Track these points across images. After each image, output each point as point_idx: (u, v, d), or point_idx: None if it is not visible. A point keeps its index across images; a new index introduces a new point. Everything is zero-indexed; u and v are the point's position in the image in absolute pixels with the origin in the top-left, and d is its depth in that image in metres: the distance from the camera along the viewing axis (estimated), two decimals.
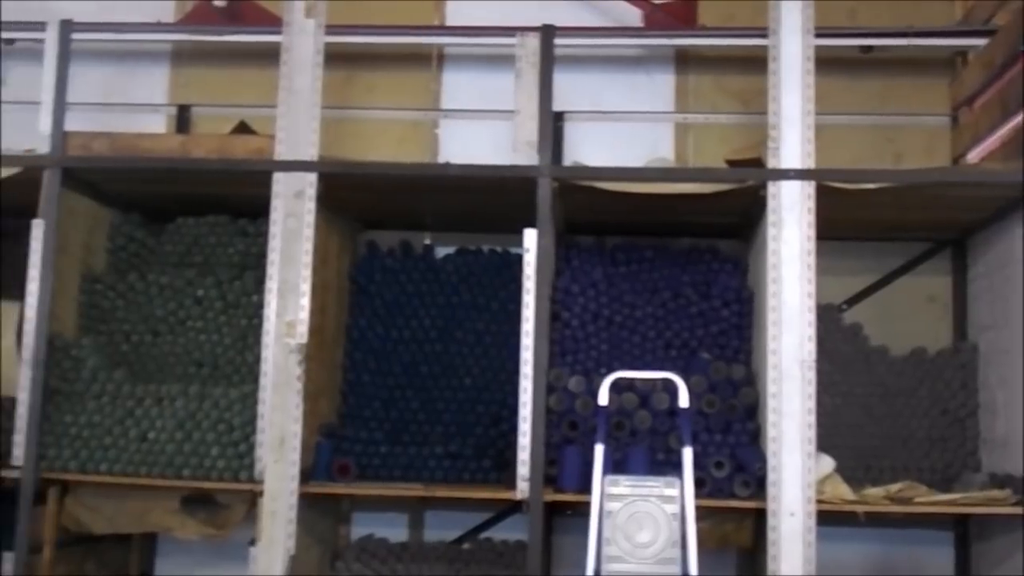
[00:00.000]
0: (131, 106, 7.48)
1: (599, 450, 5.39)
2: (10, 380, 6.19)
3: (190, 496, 6.10)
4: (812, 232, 5.54)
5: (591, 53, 7.28)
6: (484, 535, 6.96)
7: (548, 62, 5.92)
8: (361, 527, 7.06)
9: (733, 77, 7.23)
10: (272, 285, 5.80)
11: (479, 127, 7.30)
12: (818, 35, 5.69)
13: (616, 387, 5.65)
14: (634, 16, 7.27)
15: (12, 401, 6.00)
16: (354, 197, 6.41)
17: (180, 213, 6.77)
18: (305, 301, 5.78)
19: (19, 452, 5.83)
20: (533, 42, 5.97)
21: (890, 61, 7.06)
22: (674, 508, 5.25)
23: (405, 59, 7.43)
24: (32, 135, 6.26)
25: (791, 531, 5.34)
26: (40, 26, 6.32)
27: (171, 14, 7.66)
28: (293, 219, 5.85)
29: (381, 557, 6.47)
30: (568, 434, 5.97)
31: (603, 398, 5.52)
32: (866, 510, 5.61)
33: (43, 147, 6.08)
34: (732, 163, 6.21)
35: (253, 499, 5.78)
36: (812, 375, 5.45)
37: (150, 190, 6.61)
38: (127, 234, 6.74)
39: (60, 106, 6.09)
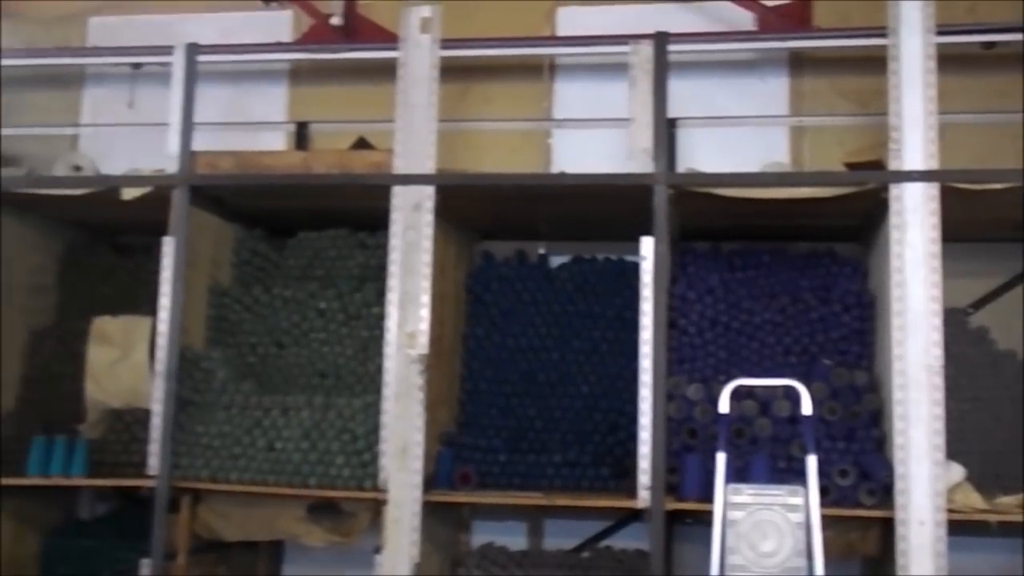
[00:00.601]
0: (251, 124, 7.68)
1: (721, 458, 5.36)
2: (142, 393, 6.41)
3: (316, 504, 6.23)
4: (937, 234, 5.43)
5: (702, 58, 7.24)
6: (603, 543, 6.95)
7: (662, 69, 5.92)
8: (480, 535, 7.11)
9: (849, 78, 7.11)
10: (393, 297, 5.91)
11: (591, 136, 7.31)
12: (938, 32, 5.58)
13: (735, 394, 5.60)
14: (746, 19, 7.20)
15: (146, 413, 6.22)
16: (470, 208, 6.49)
17: (301, 227, 6.93)
18: (425, 312, 5.87)
19: (154, 462, 6.03)
20: (647, 50, 5.97)
21: (1012, 57, 6.86)
22: (799, 517, 5.20)
23: (517, 70, 7.49)
24: (158, 155, 6.51)
25: (921, 540, 5.23)
26: (166, 50, 6.56)
27: (288, 33, 7.85)
28: (412, 231, 5.95)
29: (501, 564, 6.52)
30: (687, 442, 5.94)
31: (724, 405, 5.49)
32: (999, 519, 5.46)
33: (172, 167, 6.28)
34: (851, 166, 6.12)
35: (377, 507, 5.88)
36: (939, 380, 5.34)
37: (272, 205, 6.79)
38: (251, 249, 6.93)
39: (187, 127, 6.30)
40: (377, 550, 5.80)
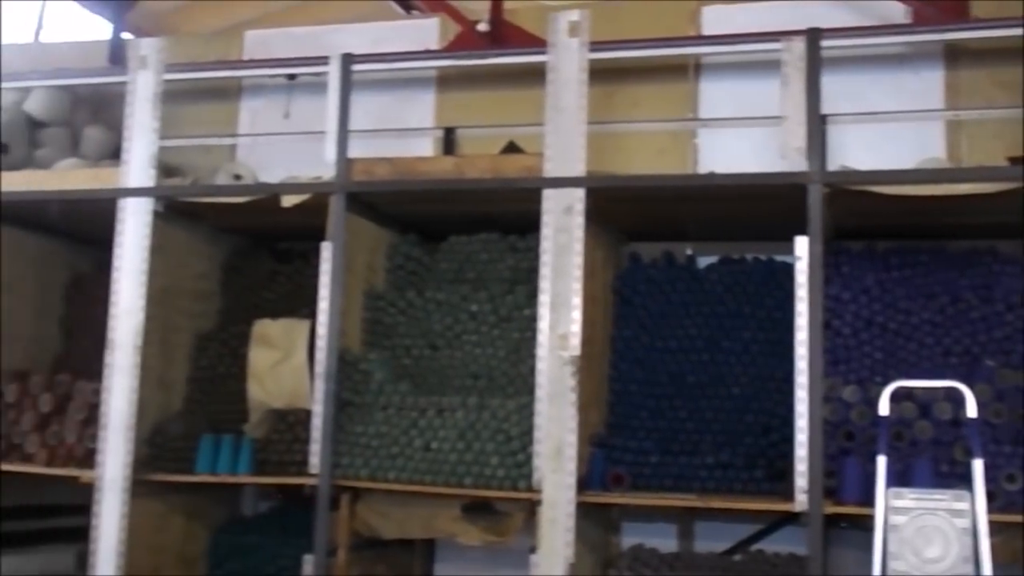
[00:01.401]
0: (400, 131, 7.84)
1: (881, 461, 5.26)
2: (303, 393, 6.62)
3: (471, 503, 6.33)
4: None
5: (853, 53, 7.09)
6: (756, 547, 6.88)
7: (815, 66, 5.83)
8: (630, 536, 7.11)
9: (1010, 69, 6.87)
10: (545, 299, 5.97)
11: (738, 135, 7.24)
12: None
13: (893, 396, 5.48)
14: (898, 12, 7.04)
15: (307, 413, 6.42)
16: (617, 210, 6.50)
17: (452, 231, 7.05)
18: (577, 314, 5.91)
19: (315, 461, 6.22)
20: (799, 46, 5.89)
21: None
22: (964, 522, 5.05)
23: (662, 71, 7.47)
24: (313, 163, 6.71)
25: None
26: (321, 61, 6.76)
27: (434, 41, 8.00)
28: (563, 234, 6.00)
29: (653, 566, 6.51)
30: (844, 444, 5.84)
31: (883, 408, 5.38)
32: None
33: (329, 174, 6.46)
34: (1016, 160, 5.91)
35: (532, 507, 5.94)
36: None
37: (425, 210, 6.93)
38: (404, 253, 7.08)
39: (343, 135, 6.48)
40: (532, 550, 5.85)
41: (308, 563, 6.15)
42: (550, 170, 6.07)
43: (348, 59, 6.56)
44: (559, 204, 6.02)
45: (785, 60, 5.93)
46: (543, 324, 5.96)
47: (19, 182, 7.08)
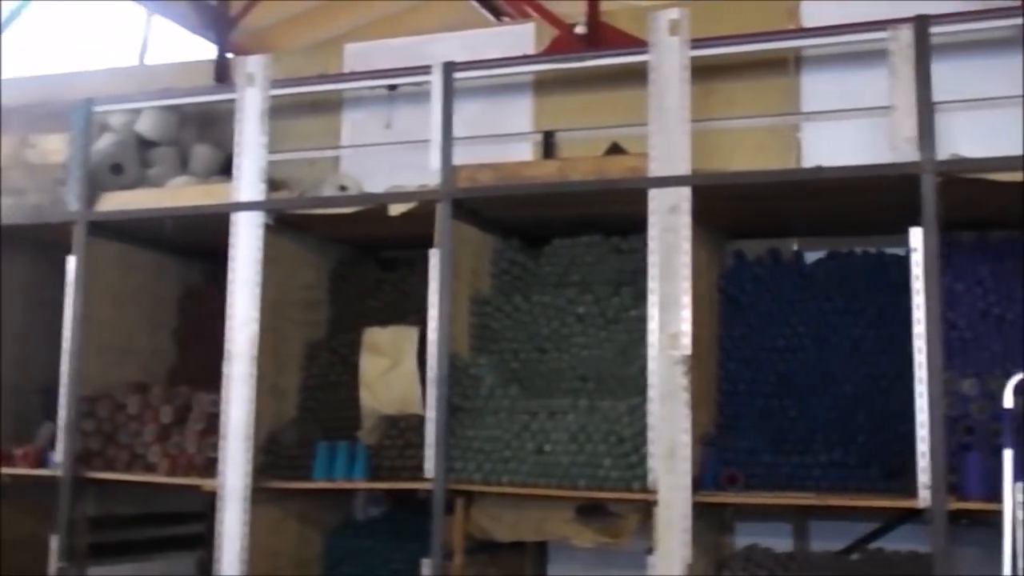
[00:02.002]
0: (499, 137, 7.88)
1: (1008, 455, 5.14)
2: (413, 399, 6.71)
3: (584, 505, 6.34)
4: None
5: (959, 39, 6.93)
6: (874, 545, 6.76)
7: (924, 54, 5.74)
8: (742, 537, 7.05)
9: None
10: (654, 299, 5.96)
11: (842, 128, 7.13)
12: None
13: (1017, 389, 5.35)
14: None
15: (418, 419, 6.50)
16: (721, 208, 6.45)
17: (555, 235, 7.07)
18: (686, 313, 5.90)
19: (430, 465, 6.28)
20: (906, 34, 5.80)
21: None
22: None
23: (761, 67, 7.38)
24: (414, 172, 6.80)
25: None
26: (421, 70, 6.85)
27: (529, 46, 8.03)
28: (670, 234, 5.98)
29: (767, 567, 6.44)
30: (964, 439, 5.71)
31: (1008, 400, 5.25)
32: None
33: (434, 182, 6.54)
34: None
35: (646, 508, 5.92)
36: None
37: (528, 214, 6.96)
38: (509, 258, 7.12)
39: (448, 142, 6.55)
40: (648, 551, 5.84)
41: (425, 566, 6.22)
42: (655, 170, 6.06)
43: (450, 67, 6.63)
44: (664, 204, 6.01)
45: (892, 49, 5.84)
46: (653, 324, 5.95)
47: (133, 200, 7.30)
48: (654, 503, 5.81)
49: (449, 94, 6.61)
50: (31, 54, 12.72)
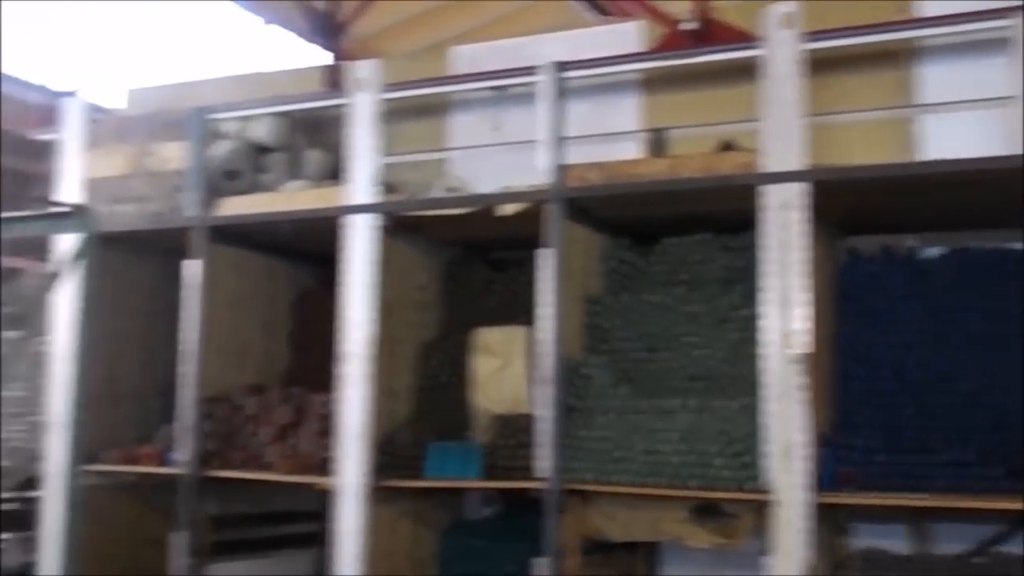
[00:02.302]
0: (610, 136, 7.86)
1: None
2: (524, 399, 6.74)
3: (698, 505, 6.29)
4: None
5: None
6: (997, 548, 6.57)
7: None
8: (858, 538, 6.91)
9: None
10: (768, 297, 5.89)
11: (959, 120, 6.95)
12: None
13: None
14: None
15: (529, 418, 6.53)
16: (834, 204, 6.34)
17: (663, 234, 7.03)
18: (802, 312, 5.81)
19: (543, 465, 6.30)
20: None
21: None
22: None
23: (873, 60, 7.23)
24: (521, 173, 6.82)
25: None
26: (529, 71, 6.88)
27: (635, 45, 7.99)
28: (783, 230, 5.90)
29: (885, 568, 6.32)
30: None
31: None
32: None
33: (544, 182, 6.56)
34: None
35: (760, 509, 5.86)
36: None
37: (637, 213, 6.94)
38: (618, 257, 7.10)
39: (557, 142, 6.57)
40: (763, 552, 5.77)
41: (538, 566, 6.24)
42: (768, 165, 5.98)
43: (559, 67, 6.65)
44: (778, 200, 5.94)
45: (1011, 37, 5.68)
46: (768, 323, 5.88)
47: (249, 205, 7.48)
48: (769, 503, 5.73)
49: (559, 93, 6.63)
50: (152, 66, 13.17)
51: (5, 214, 5.60)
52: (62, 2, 13.87)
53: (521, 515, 7.16)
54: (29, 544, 6.89)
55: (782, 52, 6.04)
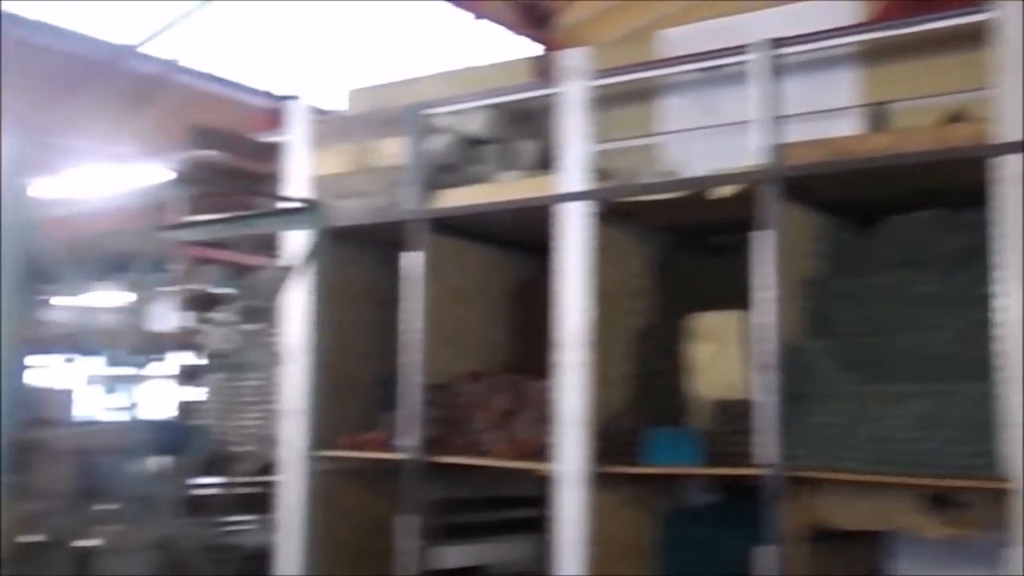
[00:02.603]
0: (825, 113, 7.59)
1: None
2: (742, 385, 6.61)
3: (933, 494, 6.03)
4: None
5: None
6: None
7: None
8: None
9: None
10: (1004, 276, 5.57)
11: None
12: None
13: None
14: None
15: (748, 405, 6.40)
16: None
17: (885, 212, 6.76)
18: None
19: (765, 452, 6.18)
20: None
21: None
22: None
23: None
24: (733, 155, 6.69)
25: None
26: (740, 50, 6.74)
27: (850, 16, 7.68)
28: (1019, 204, 5.57)
29: None
30: None
31: None
32: None
33: (760, 162, 6.42)
34: None
35: (998, 498, 5.55)
36: None
37: (857, 192, 6.70)
38: (839, 238, 6.87)
39: (774, 121, 6.42)
40: (1003, 545, 5.48)
41: (763, 554, 6.12)
42: (1003, 136, 5.66)
43: (774, 43, 6.49)
44: (1013, 172, 5.60)
45: None
46: (1005, 303, 5.57)
47: (466, 197, 7.64)
48: (1009, 492, 5.43)
49: (775, 70, 6.47)
50: (369, 66, 13.67)
51: (241, 213, 5.92)
52: (281, 9, 14.54)
53: (742, 503, 7.03)
54: (269, 526, 7.25)
55: (1014, 14, 5.69)
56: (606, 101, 7.69)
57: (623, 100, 8.25)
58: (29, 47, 13.49)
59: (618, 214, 7.19)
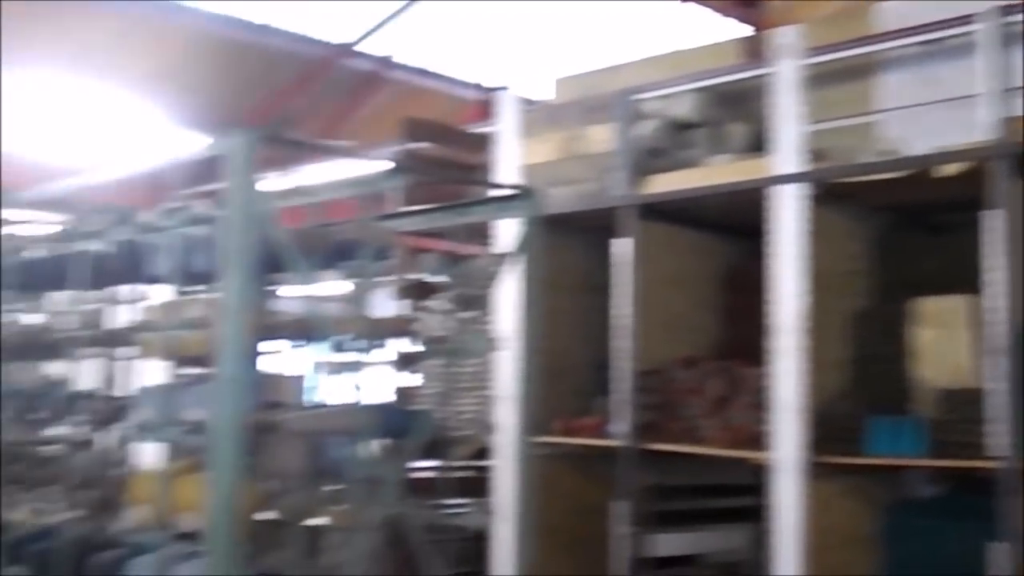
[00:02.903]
0: None
1: None
2: (968, 372, 6.30)
3: None
4: None
5: None
6: None
7: None
8: None
9: None
10: None
11: None
12: None
13: None
14: None
15: (976, 392, 6.09)
16: None
17: None
18: None
19: (997, 443, 5.88)
20: None
21: None
22: None
23: None
24: (952, 132, 6.36)
25: None
26: (963, 21, 6.41)
27: None
28: None
29: None
30: None
31: None
32: None
33: (988, 138, 6.09)
34: None
35: None
36: None
37: None
38: None
39: (1003, 94, 6.08)
40: None
41: (997, 551, 5.82)
42: None
43: (1003, 11, 6.14)
44: None
45: None
46: None
47: (675, 182, 7.57)
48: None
49: (1003, 40, 6.12)
50: (574, 55, 13.75)
51: (456, 202, 6.05)
52: (489, 2, 14.77)
53: (972, 495, 6.71)
54: (486, 509, 7.40)
55: None
56: (820, 79, 7.46)
57: (838, 78, 7.99)
58: (249, 48, 14.19)
59: (834, 195, 6.96)
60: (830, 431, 6.73)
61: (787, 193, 6.82)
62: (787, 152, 6.89)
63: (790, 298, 6.72)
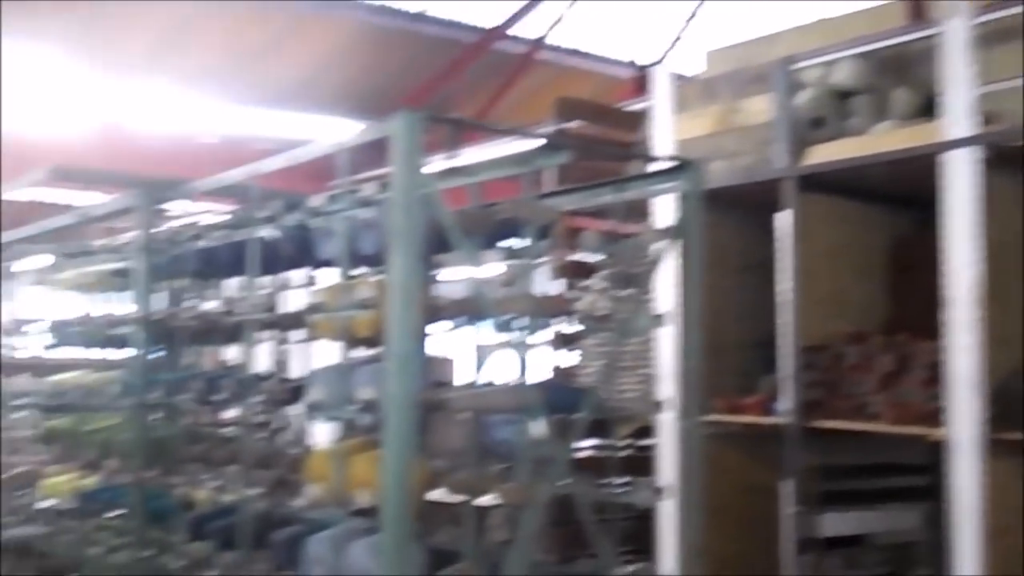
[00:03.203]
0: None
1: None
2: None
3: None
4: None
5: None
6: None
7: None
8: None
9: None
10: None
11: None
12: None
13: None
14: None
15: None
16: None
17: None
18: None
19: None
20: None
21: None
22: None
23: None
24: None
25: None
26: None
27: None
28: None
29: None
30: None
31: None
32: None
33: None
34: None
35: None
36: None
37: None
38: None
39: None
40: None
41: None
42: None
43: None
44: None
45: None
46: None
47: (837, 152, 7.36)
48: None
49: None
50: (726, 26, 13.51)
51: (614, 179, 6.03)
52: None
53: None
54: (652, 488, 7.37)
55: None
56: (992, 38, 7.14)
57: (1010, 36, 7.63)
58: (405, 36, 14.45)
59: (1009, 160, 6.65)
60: (1008, 407, 6.45)
61: (957, 159, 6.54)
62: (957, 116, 6.61)
63: (963, 269, 6.45)
